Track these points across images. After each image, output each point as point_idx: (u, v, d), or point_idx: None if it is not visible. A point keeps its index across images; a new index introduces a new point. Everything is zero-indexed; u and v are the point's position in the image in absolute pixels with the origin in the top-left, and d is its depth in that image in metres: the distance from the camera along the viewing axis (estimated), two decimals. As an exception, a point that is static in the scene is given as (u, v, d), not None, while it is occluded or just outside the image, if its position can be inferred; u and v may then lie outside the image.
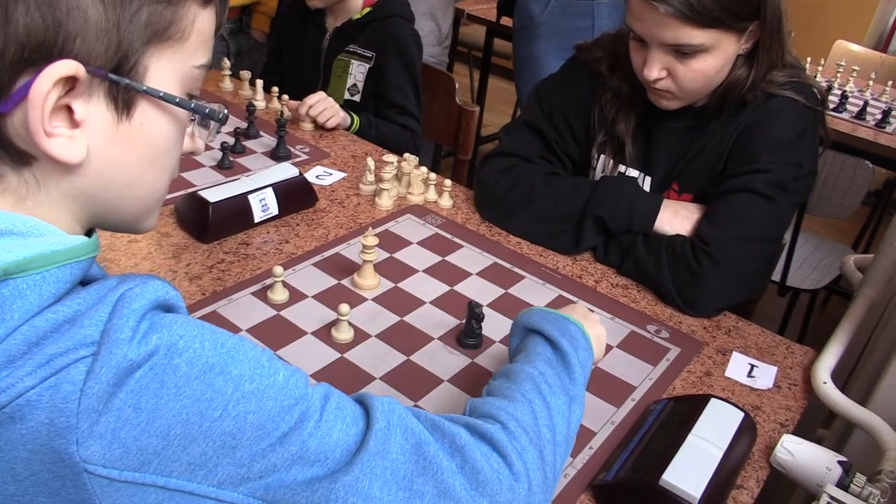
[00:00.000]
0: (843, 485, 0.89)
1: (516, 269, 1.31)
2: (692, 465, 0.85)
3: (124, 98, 0.56)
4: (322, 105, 1.74)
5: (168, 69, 0.58)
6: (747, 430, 0.96)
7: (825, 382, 1.07)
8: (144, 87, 0.56)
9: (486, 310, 1.17)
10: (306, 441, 0.56)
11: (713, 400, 0.97)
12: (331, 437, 0.57)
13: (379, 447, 0.59)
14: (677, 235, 1.27)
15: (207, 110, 0.62)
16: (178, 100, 0.59)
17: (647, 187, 1.38)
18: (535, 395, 0.74)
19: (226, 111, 0.64)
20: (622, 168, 1.40)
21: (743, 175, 1.24)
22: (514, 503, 0.64)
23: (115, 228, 0.64)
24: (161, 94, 0.57)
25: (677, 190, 1.36)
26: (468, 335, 1.10)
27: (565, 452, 0.74)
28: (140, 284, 0.55)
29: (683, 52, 1.18)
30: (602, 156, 1.42)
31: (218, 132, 0.66)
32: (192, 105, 0.60)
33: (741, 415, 0.95)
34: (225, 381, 0.54)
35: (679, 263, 1.23)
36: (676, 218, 1.29)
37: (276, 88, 1.84)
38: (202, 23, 0.60)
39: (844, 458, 0.91)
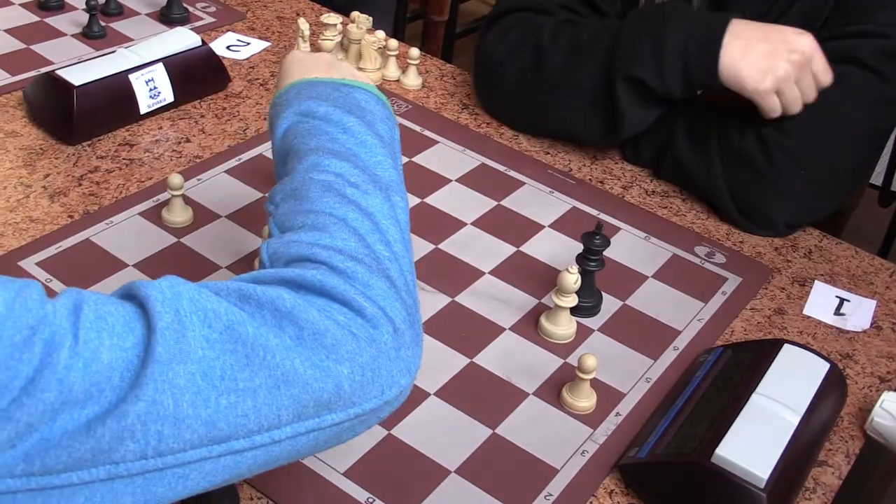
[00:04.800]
0: (963, 457, 0.90)
1: (512, 173, 1.30)
2: (757, 436, 0.86)
3: None
4: None
5: None
6: (834, 386, 0.97)
7: (941, 319, 1.08)
8: None
9: (470, 228, 1.17)
10: (65, 378, 0.54)
11: (787, 346, 0.97)
12: (99, 362, 0.56)
13: (172, 351, 0.57)
14: (733, 119, 1.25)
15: None
16: None
17: None
18: (344, 205, 0.73)
19: None
20: None
21: (847, 38, 1.22)
22: (381, 356, 0.66)
23: None
24: None
25: None
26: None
27: (409, 261, 0.75)
28: None
29: None
30: None
31: None
32: None
33: (826, 366, 0.96)
34: None
35: (739, 161, 1.22)
36: (752, 52, 1.17)
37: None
38: None
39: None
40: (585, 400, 0.95)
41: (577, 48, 1.28)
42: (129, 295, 0.62)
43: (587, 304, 1.07)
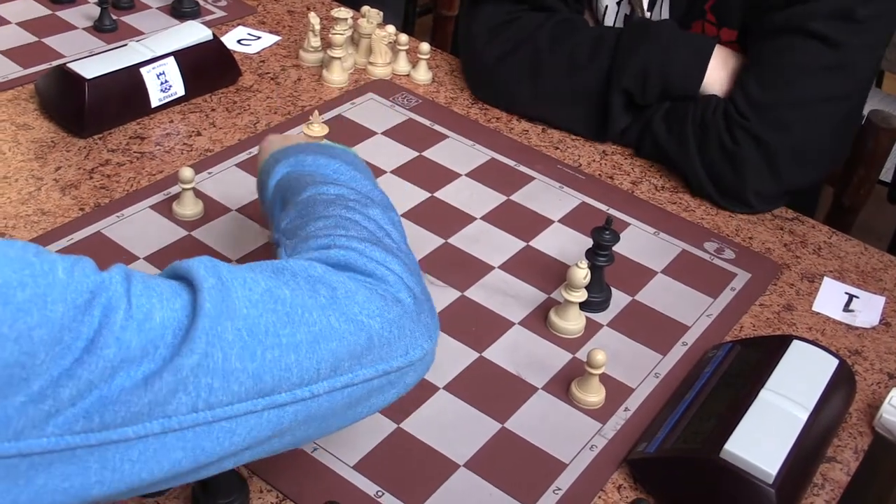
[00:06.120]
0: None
1: (522, 168, 1.30)
2: (766, 432, 0.86)
3: None
4: None
5: None
6: (843, 383, 0.96)
7: (951, 316, 1.08)
8: None
9: (479, 223, 1.17)
10: (122, 337, 0.57)
11: (796, 342, 0.97)
12: (152, 321, 0.59)
13: (219, 307, 0.61)
14: (711, 96, 1.27)
15: None
16: None
17: (664, 15, 1.36)
18: (351, 212, 0.79)
19: None
20: None
21: (789, 7, 1.20)
22: (405, 315, 0.72)
23: None
24: None
25: (714, 22, 1.33)
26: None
27: (415, 263, 0.81)
28: None
29: None
30: None
31: None
32: None
33: (835, 362, 0.96)
34: None
35: (708, 138, 1.23)
36: (725, 70, 1.28)
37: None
38: None
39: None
40: (594, 395, 0.95)
41: (575, 61, 1.33)
42: (172, 275, 0.66)
43: (596, 299, 1.07)
